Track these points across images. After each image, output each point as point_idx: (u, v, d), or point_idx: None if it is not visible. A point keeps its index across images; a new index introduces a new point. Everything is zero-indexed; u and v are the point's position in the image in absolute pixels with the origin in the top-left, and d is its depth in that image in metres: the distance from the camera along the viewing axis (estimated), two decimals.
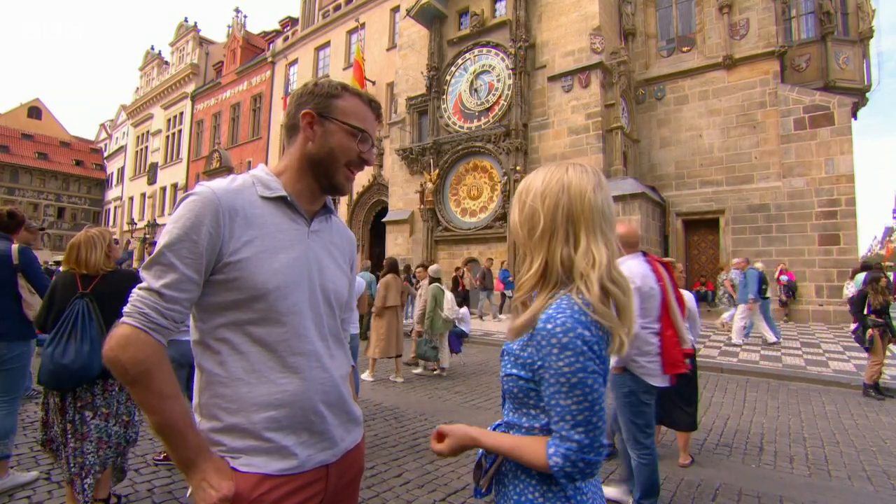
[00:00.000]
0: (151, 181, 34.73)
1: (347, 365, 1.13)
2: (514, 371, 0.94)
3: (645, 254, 2.79)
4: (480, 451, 1.01)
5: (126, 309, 0.87)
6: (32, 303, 2.96)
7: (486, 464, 1.00)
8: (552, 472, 0.86)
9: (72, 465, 2.33)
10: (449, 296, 6.67)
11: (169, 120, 34.36)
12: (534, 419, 0.94)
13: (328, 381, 1.01)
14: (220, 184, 0.96)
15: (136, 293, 0.88)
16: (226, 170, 25.60)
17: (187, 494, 0.93)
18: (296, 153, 1.04)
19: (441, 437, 0.98)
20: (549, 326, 0.86)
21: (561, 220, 0.92)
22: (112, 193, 42.06)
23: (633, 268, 2.64)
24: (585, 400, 0.85)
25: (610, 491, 2.98)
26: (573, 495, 0.91)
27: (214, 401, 0.94)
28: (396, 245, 16.64)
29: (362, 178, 19.58)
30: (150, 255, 0.92)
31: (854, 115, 12.36)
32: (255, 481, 0.91)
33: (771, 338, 8.32)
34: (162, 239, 0.89)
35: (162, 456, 3.33)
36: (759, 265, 8.86)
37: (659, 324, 2.63)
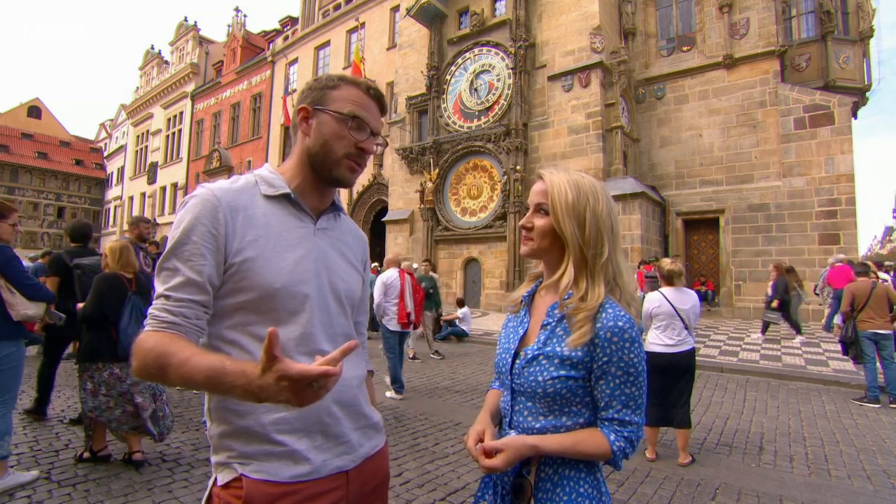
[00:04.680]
0: (151, 181, 34.71)
1: (362, 367, 1.10)
2: (563, 372, 0.96)
3: (399, 268, 5.66)
4: (507, 473, 1.01)
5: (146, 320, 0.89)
6: (14, 303, 2.86)
7: (524, 473, 1.00)
8: (613, 456, 0.95)
9: (136, 417, 3.16)
10: None
11: (169, 119, 34.33)
12: (577, 416, 0.98)
13: (340, 381, 0.96)
14: (221, 184, 0.96)
15: (154, 303, 0.89)
16: (226, 169, 25.61)
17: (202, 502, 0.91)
18: (297, 150, 1.04)
19: (488, 452, 0.95)
20: (621, 324, 0.94)
21: (614, 244, 1.03)
22: (112, 193, 42.03)
23: (389, 273, 5.54)
24: (644, 385, 0.97)
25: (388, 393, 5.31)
26: (602, 473, 1.03)
27: (224, 403, 0.91)
28: (396, 244, 16.65)
29: (362, 178, 19.59)
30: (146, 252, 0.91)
31: (854, 115, 12.35)
32: (268, 489, 0.88)
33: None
34: (168, 244, 0.91)
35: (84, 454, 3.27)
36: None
37: (397, 300, 5.44)
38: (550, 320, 1.02)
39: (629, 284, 1.03)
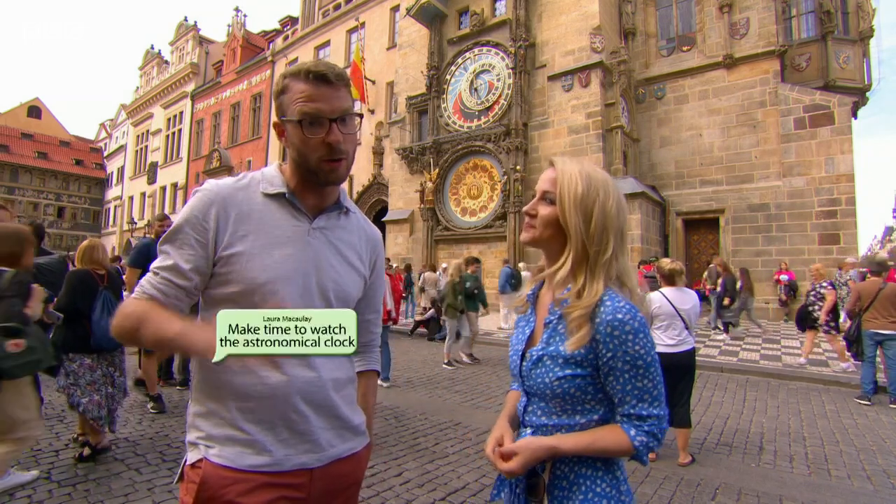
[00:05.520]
0: (151, 180, 34.70)
1: (346, 370, 1.08)
2: (569, 371, 0.93)
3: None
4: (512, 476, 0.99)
5: None
6: None
7: (539, 471, 0.98)
8: (635, 451, 0.91)
9: (103, 406, 3.34)
10: None
11: (169, 119, 34.32)
12: (590, 413, 0.96)
13: (314, 381, 0.98)
14: (225, 181, 1.01)
15: (145, 275, 0.99)
16: (226, 169, 25.59)
17: (174, 481, 0.94)
18: (289, 154, 1.07)
19: (507, 455, 0.94)
20: (620, 316, 0.90)
21: (620, 243, 0.99)
22: (112, 193, 42.01)
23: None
24: (657, 375, 0.93)
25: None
26: (623, 472, 0.99)
27: (202, 385, 0.98)
28: (397, 245, 16.64)
29: (362, 178, 19.58)
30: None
31: (854, 115, 12.34)
32: (224, 474, 0.91)
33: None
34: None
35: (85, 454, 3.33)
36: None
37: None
38: (552, 318, 1.00)
39: (636, 287, 1.01)
